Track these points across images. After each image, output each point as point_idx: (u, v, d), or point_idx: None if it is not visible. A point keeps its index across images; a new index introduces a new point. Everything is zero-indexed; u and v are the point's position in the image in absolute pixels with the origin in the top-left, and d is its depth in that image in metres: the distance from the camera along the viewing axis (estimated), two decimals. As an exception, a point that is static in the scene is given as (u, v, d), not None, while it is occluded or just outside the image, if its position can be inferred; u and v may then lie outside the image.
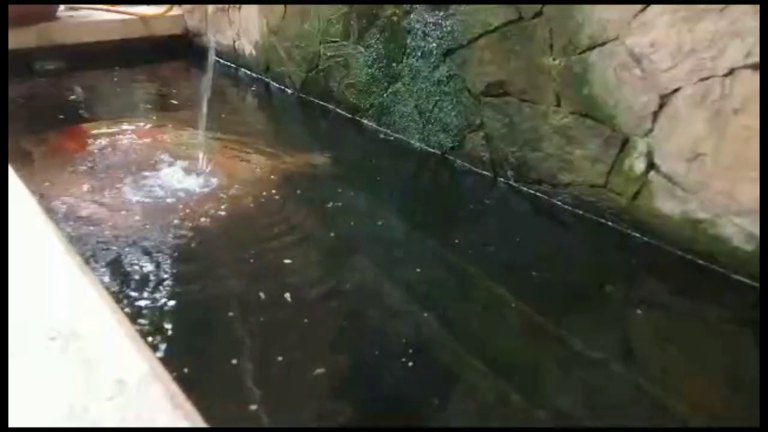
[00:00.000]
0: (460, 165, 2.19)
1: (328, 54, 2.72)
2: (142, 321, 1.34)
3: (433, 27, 2.15)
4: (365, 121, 2.60)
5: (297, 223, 1.84)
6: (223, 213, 1.86)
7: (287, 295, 1.48)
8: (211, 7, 3.44)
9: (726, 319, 1.43)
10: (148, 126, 2.63)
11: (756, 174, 1.40)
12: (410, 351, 1.31)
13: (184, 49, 3.73)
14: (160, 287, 1.47)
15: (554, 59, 1.79)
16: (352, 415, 1.16)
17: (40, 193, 1.85)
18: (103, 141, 2.40)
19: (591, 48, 1.69)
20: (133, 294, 1.44)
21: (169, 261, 1.59)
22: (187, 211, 1.85)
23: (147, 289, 1.46)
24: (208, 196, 1.95)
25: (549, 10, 1.77)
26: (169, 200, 1.92)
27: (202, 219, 1.81)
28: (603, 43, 1.66)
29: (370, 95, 2.53)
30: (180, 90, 3.33)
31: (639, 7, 1.56)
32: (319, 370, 1.25)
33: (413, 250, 1.76)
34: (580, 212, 1.82)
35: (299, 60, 2.94)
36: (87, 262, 1.46)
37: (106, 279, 1.49)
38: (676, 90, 1.53)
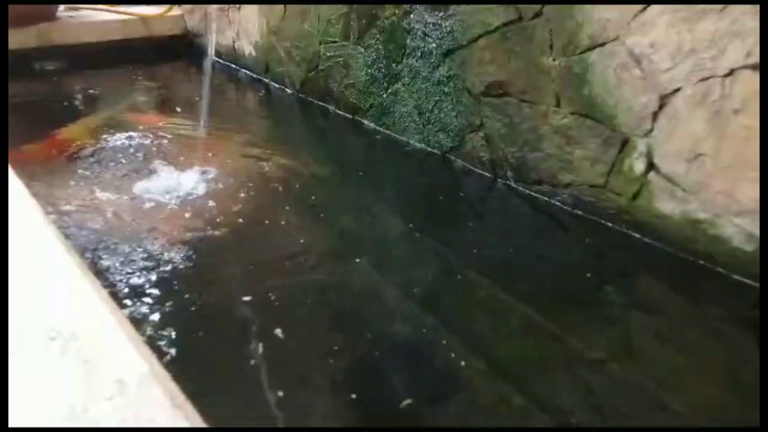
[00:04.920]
0: (460, 165, 2.19)
1: (328, 54, 2.72)
2: (141, 321, 1.34)
3: (433, 27, 2.15)
4: (365, 122, 2.60)
5: (295, 224, 1.84)
6: (220, 213, 1.85)
7: (286, 294, 1.48)
8: (212, 9, 3.44)
9: (726, 320, 1.43)
10: (147, 126, 2.63)
11: (756, 174, 1.40)
12: (410, 351, 1.31)
13: (184, 49, 3.74)
14: (160, 288, 1.47)
15: (554, 59, 1.79)
16: (351, 415, 1.16)
17: (36, 190, 1.84)
18: (101, 140, 2.40)
19: (591, 48, 1.69)
20: (134, 294, 1.44)
21: (167, 261, 1.59)
22: (183, 212, 1.85)
23: (147, 289, 1.46)
24: (205, 196, 1.95)
25: (549, 11, 1.77)
26: (165, 201, 1.92)
27: (199, 220, 1.81)
28: (603, 44, 1.66)
29: (369, 95, 2.53)
30: (179, 90, 3.34)
31: (639, 7, 1.56)
32: (319, 370, 1.25)
33: (413, 250, 1.76)
34: (580, 212, 1.82)
35: (299, 60, 2.95)
36: (86, 262, 1.46)
37: (106, 279, 1.50)
38: (676, 90, 1.53)
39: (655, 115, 1.58)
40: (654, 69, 1.56)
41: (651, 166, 1.63)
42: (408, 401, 1.16)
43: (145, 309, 1.39)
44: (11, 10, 3.09)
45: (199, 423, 0.76)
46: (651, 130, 1.60)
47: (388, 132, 2.48)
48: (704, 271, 1.54)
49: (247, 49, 3.39)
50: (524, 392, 1.19)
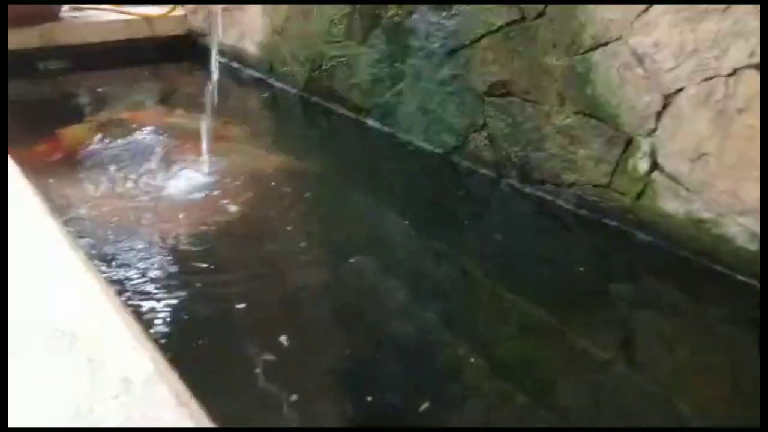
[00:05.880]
0: (464, 165, 2.19)
1: (332, 54, 2.72)
2: (147, 320, 1.34)
3: (437, 27, 2.15)
4: (369, 121, 2.60)
5: (298, 223, 1.85)
6: (224, 212, 1.86)
7: (289, 293, 1.48)
8: (216, 9, 3.44)
9: (729, 319, 1.43)
10: (150, 125, 2.63)
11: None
12: (412, 351, 1.31)
13: (188, 49, 3.74)
14: (164, 287, 1.48)
15: (557, 59, 1.79)
16: (352, 414, 1.16)
17: (41, 190, 1.85)
18: (105, 140, 2.40)
19: (594, 48, 1.69)
20: (138, 293, 1.45)
21: (171, 260, 1.59)
22: (187, 211, 1.85)
23: (151, 288, 1.47)
24: (209, 196, 1.95)
25: (552, 10, 1.77)
26: (168, 200, 1.92)
27: (203, 219, 1.81)
28: (606, 43, 1.66)
29: (373, 95, 2.53)
30: (182, 90, 3.34)
31: (642, 7, 1.56)
32: (326, 372, 1.25)
33: (417, 250, 1.76)
34: (584, 212, 1.82)
35: (303, 60, 2.95)
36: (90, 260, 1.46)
37: (110, 278, 1.50)
38: (679, 90, 1.53)
39: (658, 115, 1.58)
40: (657, 69, 1.55)
41: (655, 165, 1.62)
42: (426, 405, 1.15)
43: (150, 308, 1.39)
44: (14, 10, 3.09)
45: (205, 422, 0.76)
46: (655, 130, 1.60)
47: (391, 132, 2.47)
48: (708, 271, 1.54)
49: (251, 49, 3.39)
50: (527, 392, 1.19)
